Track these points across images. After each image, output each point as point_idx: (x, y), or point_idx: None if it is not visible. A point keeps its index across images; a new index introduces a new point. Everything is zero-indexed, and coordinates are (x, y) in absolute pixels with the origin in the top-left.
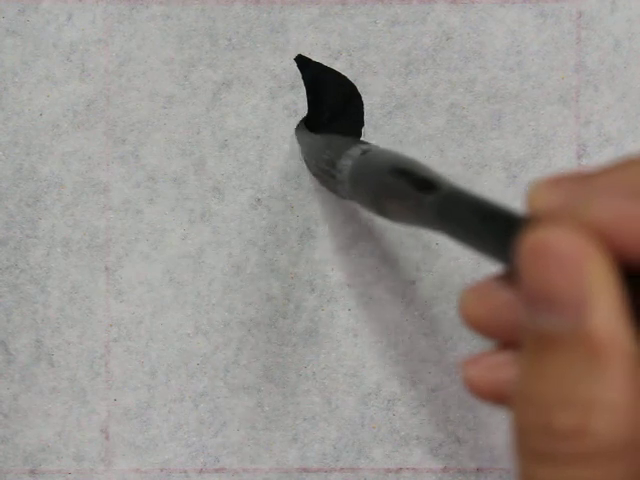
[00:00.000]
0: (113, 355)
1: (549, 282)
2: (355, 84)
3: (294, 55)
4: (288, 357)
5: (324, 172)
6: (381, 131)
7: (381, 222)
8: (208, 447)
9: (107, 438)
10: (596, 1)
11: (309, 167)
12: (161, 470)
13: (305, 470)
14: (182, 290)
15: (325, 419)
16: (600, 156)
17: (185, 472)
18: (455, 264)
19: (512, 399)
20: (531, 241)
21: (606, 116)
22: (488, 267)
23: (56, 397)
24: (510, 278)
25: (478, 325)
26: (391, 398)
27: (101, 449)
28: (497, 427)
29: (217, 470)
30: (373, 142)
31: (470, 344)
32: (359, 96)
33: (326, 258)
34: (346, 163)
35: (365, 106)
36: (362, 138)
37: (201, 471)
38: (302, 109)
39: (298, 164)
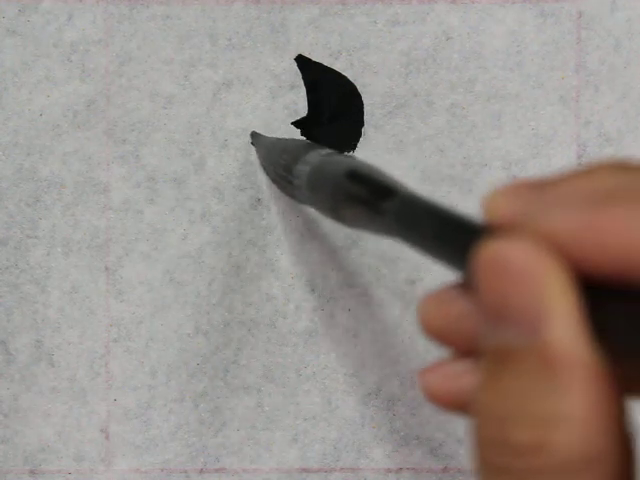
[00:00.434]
0: (113, 355)
1: (505, 296)
2: (355, 84)
3: (294, 55)
4: (288, 357)
5: (281, 178)
6: (381, 131)
7: None
8: (208, 447)
9: (107, 438)
10: (596, 1)
11: (267, 172)
12: (161, 470)
13: (305, 470)
14: (182, 290)
15: (325, 419)
16: (600, 156)
17: (185, 472)
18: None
19: (471, 411)
20: (486, 254)
21: (606, 116)
22: None
23: (56, 397)
24: (469, 286)
25: (436, 334)
26: (391, 398)
27: (101, 449)
28: None
29: (217, 470)
30: (373, 142)
31: None
32: (359, 96)
33: (326, 258)
34: (303, 169)
35: (365, 106)
36: (362, 138)
37: (201, 471)
38: (302, 109)
39: None
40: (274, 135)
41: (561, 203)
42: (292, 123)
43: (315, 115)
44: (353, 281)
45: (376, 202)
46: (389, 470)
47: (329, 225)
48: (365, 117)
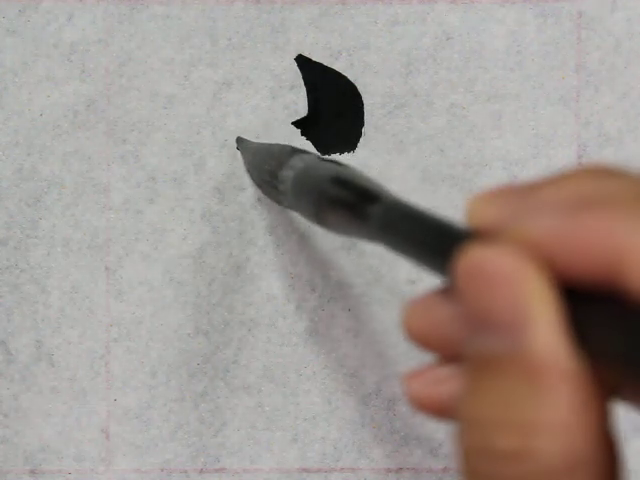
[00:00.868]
0: (113, 355)
1: (486, 303)
2: (355, 84)
3: (294, 55)
4: (288, 357)
5: (266, 183)
6: (381, 131)
7: None
8: (208, 447)
9: (107, 438)
10: (596, 1)
11: (252, 177)
12: (161, 470)
13: (305, 470)
14: (182, 290)
15: (325, 419)
16: (600, 156)
17: (185, 472)
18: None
19: (455, 418)
20: (466, 261)
21: (606, 116)
22: None
23: (56, 397)
24: (452, 292)
25: (420, 339)
26: (391, 398)
27: (101, 449)
28: None
29: (217, 470)
30: (373, 142)
31: None
32: (359, 96)
33: (326, 258)
34: (287, 174)
35: (365, 106)
36: (362, 138)
37: (201, 471)
38: (302, 109)
39: None
40: (274, 135)
41: (541, 208)
42: (292, 123)
43: (315, 115)
44: (353, 281)
45: (360, 207)
46: (389, 470)
47: None
48: (365, 117)
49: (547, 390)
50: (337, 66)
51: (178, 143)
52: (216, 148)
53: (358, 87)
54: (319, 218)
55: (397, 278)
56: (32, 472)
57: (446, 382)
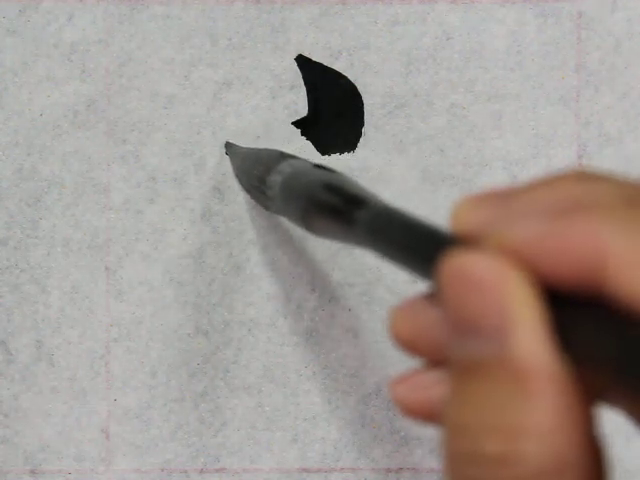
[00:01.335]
0: (113, 355)
1: (470, 309)
2: (355, 84)
3: (294, 55)
4: (288, 357)
5: (255, 188)
6: (381, 131)
7: None
8: (208, 447)
9: (107, 438)
10: (596, 1)
11: (241, 183)
12: (161, 470)
13: (305, 470)
14: (182, 290)
15: (325, 419)
16: (600, 156)
17: (185, 472)
18: None
19: (441, 423)
20: (450, 267)
21: (606, 116)
22: None
23: (56, 397)
24: (437, 297)
25: (407, 344)
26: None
27: (101, 449)
28: None
29: (217, 470)
30: (373, 142)
31: None
32: (359, 96)
33: (326, 258)
34: (276, 179)
35: (365, 106)
36: (362, 138)
37: (201, 471)
38: (302, 109)
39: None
40: (274, 135)
41: (525, 213)
42: (292, 123)
43: (315, 115)
44: (353, 281)
45: (347, 212)
46: (389, 470)
47: None
48: (365, 117)
49: (532, 394)
50: (337, 66)
51: (178, 143)
52: (216, 148)
53: (358, 87)
54: (306, 223)
55: (397, 278)
56: (32, 472)
57: (432, 387)
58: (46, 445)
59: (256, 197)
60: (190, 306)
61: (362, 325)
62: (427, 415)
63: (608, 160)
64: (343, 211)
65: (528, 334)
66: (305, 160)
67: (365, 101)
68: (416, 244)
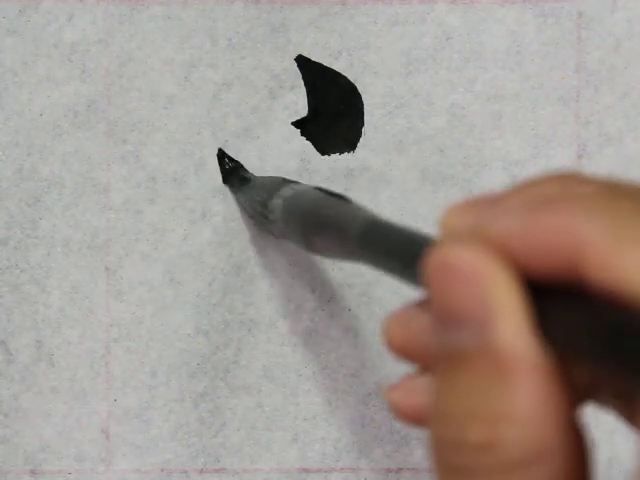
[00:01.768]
0: (113, 355)
1: (453, 298)
2: (355, 84)
3: (294, 55)
4: (288, 357)
5: (258, 213)
6: (381, 131)
7: None
8: (208, 447)
9: (107, 438)
10: (596, 1)
11: (244, 209)
12: (161, 470)
13: (305, 470)
14: (182, 290)
15: (325, 419)
16: (600, 156)
17: (185, 472)
18: None
19: (428, 414)
20: (434, 259)
21: (606, 116)
22: None
23: (56, 397)
24: (429, 303)
25: (401, 350)
26: None
27: (101, 449)
28: None
29: (217, 470)
30: (373, 142)
31: None
32: (359, 96)
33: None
34: (277, 202)
35: (365, 106)
36: (362, 138)
37: (201, 471)
38: (302, 109)
39: (298, 164)
40: (274, 135)
41: (506, 211)
42: (292, 123)
43: (315, 115)
44: (353, 281)
45: (344, 226)
46: (389, 470)
47: None
48: (365, 117)
49: (514, 382)
50: (337, 66)
51: (178, 143)
52: (216, 148)
53: (358, 87)
54: (308, 242)
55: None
56: (32, 472)
57: (425, 391)
58: (46, 445)
59: (259, 222)
60: (190, 306)
61: (362, 325)
62: (420, 418)
63: (608, 160)
64: (338, 225)
65: (509, 323)
66: (307, 185)
67: (365, 101)
68: (406, 250)
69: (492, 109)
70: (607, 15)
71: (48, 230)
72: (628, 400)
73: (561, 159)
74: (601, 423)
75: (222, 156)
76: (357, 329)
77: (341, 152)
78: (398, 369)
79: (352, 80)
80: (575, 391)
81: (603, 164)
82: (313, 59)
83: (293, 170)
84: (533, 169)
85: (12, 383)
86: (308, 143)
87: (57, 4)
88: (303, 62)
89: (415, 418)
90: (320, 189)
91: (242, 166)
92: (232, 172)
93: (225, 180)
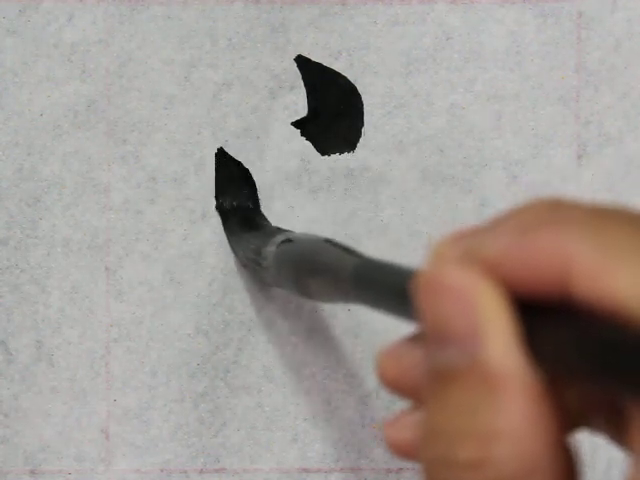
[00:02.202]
0: (113, 355)
1: (443, 316)
2: (355, 84)
3: (294, 55)
4: (288, 357)
5: (251, 261)
6: (381, 131)
7: (381, 223)
8: (208, 447)
9: (107, 438)
10: (596, 1)
11: (238, 257)
12: (161, 470)
13: (305, 470)
14: (182, 290)
15: (325, 419)
16: (600, 156)
17: (185, 472)
18: None
19: (420, 432)
20: (423, 278)
21: (606, 116)
22: None
23: (56, 397)
24: (422, 337)
25: (393, 385)
26: (391, 398)
27: (101, 449)
28: None
29: (217, 470)
30: (373, 142)
31: None
32: (359, 96)
33: None
34: (271, 249)
35: (365, 106)
36: (362, 138)
37: (201, 471)
38: (302, 109)
39: (298, 164)
40: (274, 135)
41: (496, 234)
42: (292, 123)
43: (315, 115)
44: None
45: (338, 268)
46: (389, 470)
47: (329, 226)
48: (365, 117)
49: (503, 400)
50: (337, 66)
51: (178, 143)
52: (216, 148)
53: (358, 87)
54: (300, 287)
55: None
56: (32, 472)
57: (420, 426)
58: (46, 445)
59: (252, 270)
60: (190, 306)
61: (362, 325)
62: (416, 454)
63: (608, 160)
64: (332, 268)
65: (498, 342)
66: (300, 233)
67: (365, 101)
68: (399, 285)
69: (492, 109)
70: (607, 15)
71: (48, 230)
72: (618, 424)
73: (561, 159)
74: None
75: (222, 156)
76: (357, 329)
77: (341, 152)
78: None
79: (352, 80)
80: (565, 413)
81: (603, 164)
82: (313, 59)
83: (293, 170)
84: (533, 169)
85: (12, 383)
86: (308, 143)
87: (57, 4)
88: (303, 62)
89: (411, 454)
90: (313, 236)
91: (250, 207)
92: (232, 213)
93: (224, 221)
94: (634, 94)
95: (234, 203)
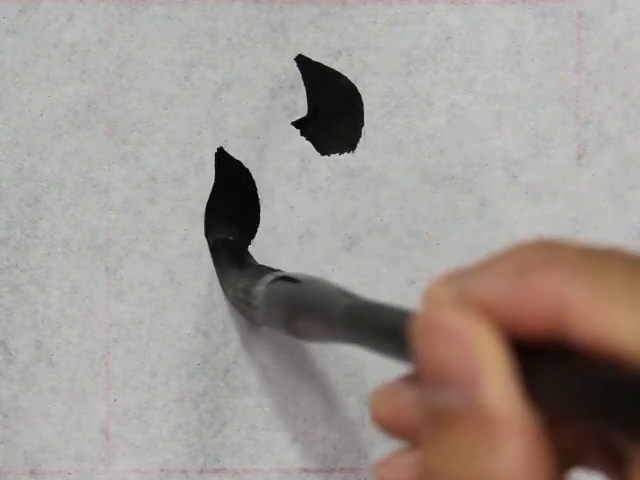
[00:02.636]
0: (113, 355)
1: (439, 359)
2: (355, 84)
3: (294, 55)
4: (288, 357)
5: (240, 300)
6: (381, 131)
7: (381, 223)
8: (208, 447)
9: (107, 438)
10: (596, 1)
11: (227, 295)
12: (161, 470)
13: (305, 470)
14: (182, 290)
15: (325, 419)
16: (600, 156)
17: (185, 472)
18: (455, 264)
19: (417, 474)
20: (420, 322)
21: (606, 116)
22: None
23: (56, 397)
24: (416, 377)
25: (387, 425)
26: None
27: (101, 449)
28: None
29: (217, 470)
30: (373, 142)
31: None
32: (359, 96)
33: (326, 258)
34: (260, 289)
35: (365, 106)
36: (362, 138)
37: (201, 471)
38: (302, 109)
39: (298, 164)
40: (274, 135)
41: (490, 276)
42: (292, 123)
43: (315, 115)
44: (353, 281)
45: (328, 309)
46: None
47: (328, 226)
48: (365, 117)
49: (500, 442)
50: (337, 66)
51: (178, 143)
52: (216, 148)
53: (358, 87)
54: (290, 327)
55: (397, 278)
56: (32, 472)
57: (413, 467)
58: (46, 445)
59: (242, 309)
60: (190, 306)
61: None
62: None
63: (608, 160)
64: (322, 308)
65: (495, 385)
66: (291, 272)
67: (365, 101)
68: (391, 325)
69: (492, 109)
70: (607, 15)
71: (48, 230)
72: (615, 461)
73: (561, 159)
74: None
75: (222, 156)
76: None
77: (341, 152)
78: (399, 369)
79: (352, 80)
80: (562, 453)
81: (603, 164)
82: (313, 59)
83: (293, 170)
84: (533, 169)
85: (12, 383)
86: (308, 143)
87: (57, 4)
88: (303, 62)
89: None
90: (302, 276)
91: (238, 241)
92: (222, 246)
93: (215, 257)
94: (634, 94)
95: (224, 237)
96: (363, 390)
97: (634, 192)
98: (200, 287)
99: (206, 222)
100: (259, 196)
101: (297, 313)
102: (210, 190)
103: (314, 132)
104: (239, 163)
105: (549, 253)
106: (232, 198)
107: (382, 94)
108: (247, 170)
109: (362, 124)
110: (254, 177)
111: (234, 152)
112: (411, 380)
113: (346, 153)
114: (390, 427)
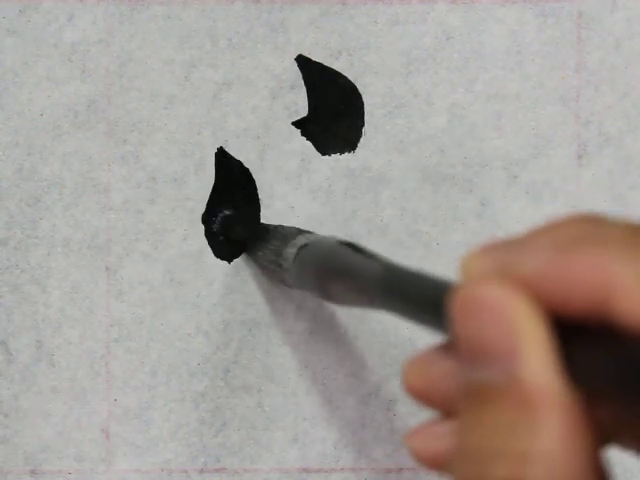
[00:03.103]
0: (113, 355)
1: (480, 334)
2: (355, 84)
3: (294, 55)
4: (288, 357)
5: (271, 262)
6: (381, 131)
7: (381, 223)
8: (208, 447)
9: (107, 438)
10: (596, 1)
11: (256, 260)
12: (162, 470)
13: (305, 470)
14: (182, 290)
15: (325, 419)
16: (600, 156)
17: (186, 472)
18: (456, 264)
19: (452, 451)
20: (461, 296)
21: (606, 116)
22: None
23: (56, 397)
24: (451, 347)
25: (421, 396)
26: (391, 398)
27: (101, 449)
28: None
29: (217, 470)
30: (373, 142)
31: None
32: (359, 96)
33: None
34: (292, 251)
35: (365, 106)
36: (362, 138)
37: (202, 471)
38: (302, 109)
39: (298, 164)
40: (274, 135)
41: (532, 251)
42: (292, 123)
43: (315, 115)
44: None
45: (362, 273)
46: (389, 470)
47: (328, 226)
48: (365, 117)
49: (539, 419)
50: (337, 66)
51: (178, 143)
52: (216, 148)
53: (358, 87)
54: (323, 291)
55: None
56: (32, 472)
57: (447, 437)
58: (46, 445)
59: (272, 272)
60: (190, 306)
61: (362, 325)
62: (441, 464)
63: (608, 160)
64: (356, 272)
65: (535, 360)
66: (321, 235)
67: (365, 101)
68: (429, 295)
69: (492, 109)
70: (607, 15)
71: (48, 230)
72: None
73: (561, 159)
74: None
75: (222, 156)
76: (357, 329)
77: (341, 152)
78: (398, 369)
79: (352, 80)
80: (598, 431)
81: (603, 164)
82: (313, 59)
83: (293, 170)
84: (533, 169)
85: (12, 383)
86: (308, 143)
87: (57, 4)
88: (303, 62)
89: (436, 464)
90: (335, 239)
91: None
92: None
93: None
94: (634, 94)
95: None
96: (363, 390)
97: (634, 192)
98: (200, 287)
99: (206, 222)
100: (259, 196)
101: (330, 278)
102: (210, 190)
103: (314, 132)
104: (239, 163)
105: (594, 230)
106: (232, 198)
107: (382, 94)
108: (247, 170)
109: (362, 124)
110: (254, 177)
111: (234, 152)
112: (446, 350)
113: (346, 153)
114: (423, 396)
